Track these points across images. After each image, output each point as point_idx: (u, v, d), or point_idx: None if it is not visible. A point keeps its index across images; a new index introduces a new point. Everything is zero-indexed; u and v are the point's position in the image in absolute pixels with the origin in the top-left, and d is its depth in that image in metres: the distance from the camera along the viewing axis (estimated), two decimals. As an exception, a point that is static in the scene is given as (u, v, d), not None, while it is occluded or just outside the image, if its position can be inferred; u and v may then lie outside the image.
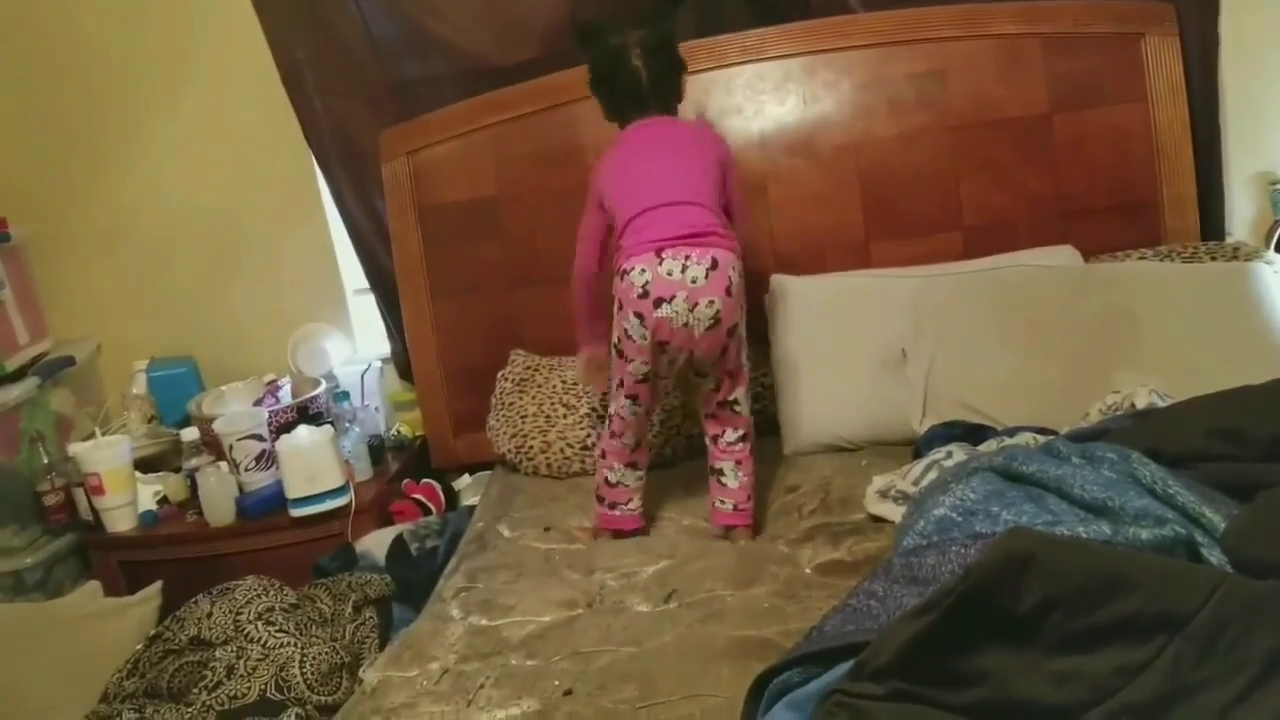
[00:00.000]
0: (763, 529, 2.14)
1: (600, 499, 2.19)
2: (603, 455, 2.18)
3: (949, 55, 2.61)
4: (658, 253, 1.97)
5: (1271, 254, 2.49)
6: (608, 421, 2.17)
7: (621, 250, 2.04)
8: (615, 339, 2.05)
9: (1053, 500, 1.42)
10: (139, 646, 2.13)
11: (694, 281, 1.95)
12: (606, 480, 2.18)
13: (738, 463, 2.13)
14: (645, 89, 2.15)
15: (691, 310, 1.96)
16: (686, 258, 1.96)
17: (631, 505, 2.18)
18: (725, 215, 2.10)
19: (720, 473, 2.14)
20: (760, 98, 2.69)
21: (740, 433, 2.14)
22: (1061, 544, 1.16)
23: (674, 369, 2.09)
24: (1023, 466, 1.48)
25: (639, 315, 1.98)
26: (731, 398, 2.11)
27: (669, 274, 1.96)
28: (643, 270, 1.97)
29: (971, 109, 2.62)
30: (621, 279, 2.00)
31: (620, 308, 2.01)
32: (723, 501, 2.14)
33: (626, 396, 2.09)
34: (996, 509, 1.40)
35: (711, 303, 1.96)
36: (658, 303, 1.96)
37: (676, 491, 2.33)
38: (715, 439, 2.15)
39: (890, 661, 1.11)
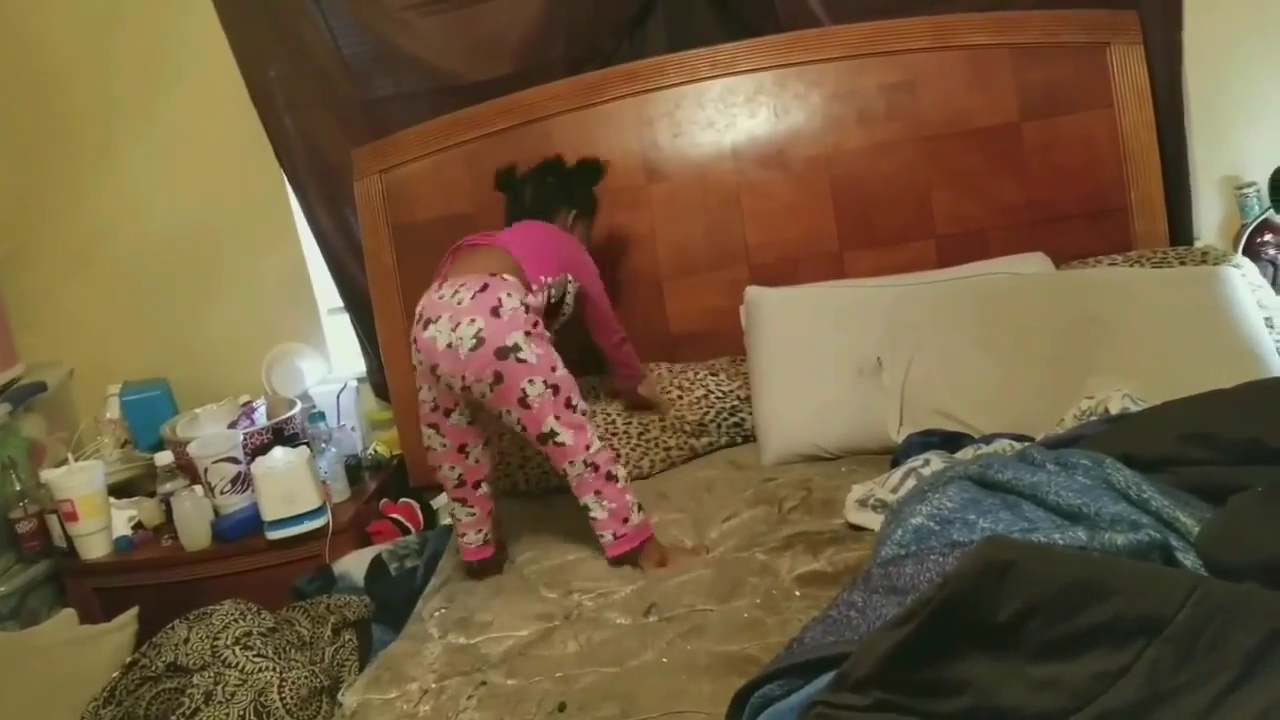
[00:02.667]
0: (670, 535, 2.14)
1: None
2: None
3: (919, 66, 2.63)
4: (439, 284, 2.05)
5: (1239, 257, 2.52)
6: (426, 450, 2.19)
7: None
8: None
9: (1028, 507, 1.42)
10: (115, 674, 2.10)
11: (459, 303, 1.97)
12: (452, 512, 2.23)
13: (597, 492, 2.02)
14: (526, 207, 2.39)
15: (454, 330, 1.95)
16: (461, 284, 2.01)
17: (468, 539, 2.19)
18: (547, 278, 2.15)
19: (587, 508, 2.05)
20: (732, 111, 2.70)
21: (578, 463, 2.01)
22: (1038, 551, 1.16)
23: (462, 398, 2.04)
24: (998, 474, 1.49)
25: (414, 340, 2.04)
26: (544, 430, 1.98)
27: (440, 298, 2.00)
28: (422, 301, 2.06)
29: (942, 119, 2.64)
30: None
31: None
32: (601, 535, 2.05)
33: (426, 425, 2.13)
34: (973, 517, 1.40)
35: (474, 321, 1.94)
36: (425, 324, 1.99)
37: (657, 504, 2.32)
38: (565, 476, 2.06)
39: (872, 672, 1.11)
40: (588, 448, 2.02)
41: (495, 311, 1.95)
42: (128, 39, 2.96)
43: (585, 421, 2.04)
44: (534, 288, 2.09)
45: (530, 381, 1.96)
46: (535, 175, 2.42)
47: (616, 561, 2.05)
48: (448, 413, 2.08)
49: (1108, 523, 1.32)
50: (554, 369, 2.00)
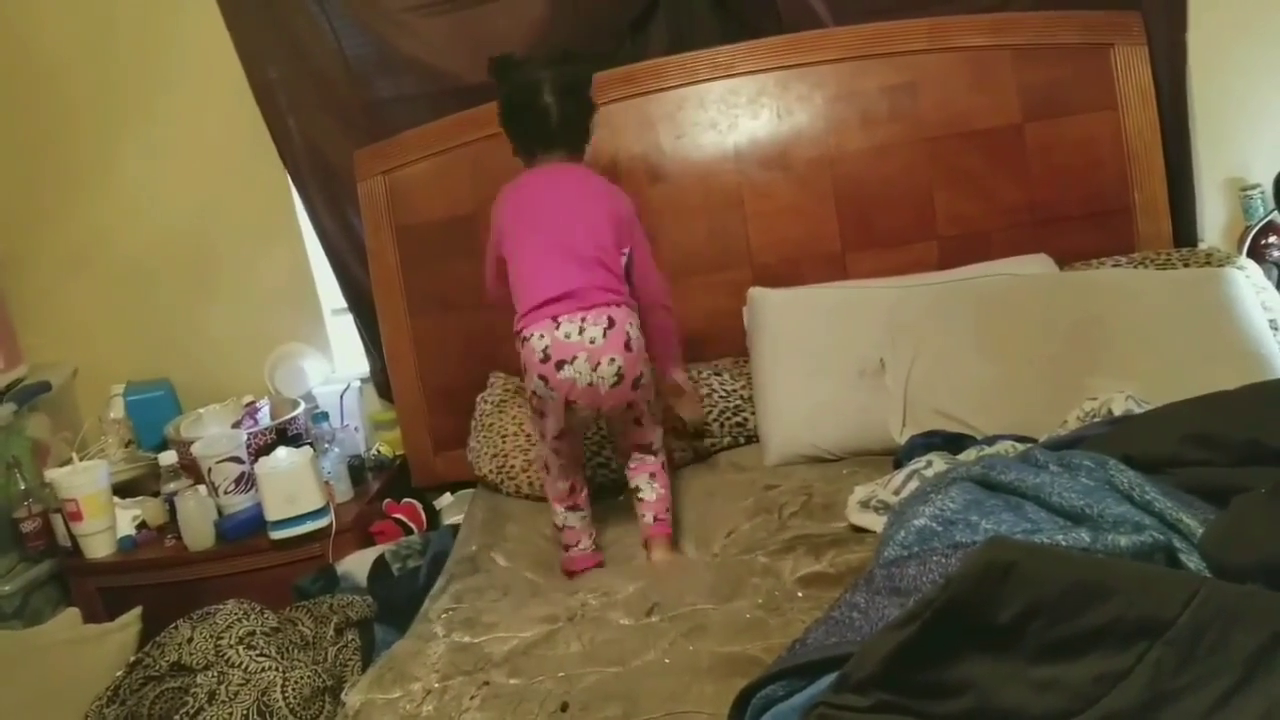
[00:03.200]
0: (679, 544, 2.20)
1: (559, 543, 2.26)
2: (551, 500, 2.25)
3: (920, 68, 2.63)
4: (554, 319, 2.02)
5: (1243, 259, 2.52)
6: (543, 468, 2.23)
7: (519, 311, 2.09)
8: (527, 396, 2.14)
9: (1031, 508, 1.42)
10: (119, 673, 2.11)
11: (593, 342, 2.02)
12: (556, 525, 2.24)
13: (651, 475, 2.20)
14: (554, 128, 2.17)
15: (594, 370, 2.02)
16: (583, 319, 2.02)
17: (582, 545, 2.22)
18: (623, 270, 2.14)
19: (637, 489, 2.21)
20: (734, 112, 2.70)
21: (650, 455, 2.21)
22: (1041, 552, 1.16)
23: (586, 424, 2.21)
24: (1001, 476, 1.49)
25: (543, 378, 2.04)
26: (645, 442, 2.20)
27: (567, 336, 2.02)
28: (541, 335, 2.02)
29: (944, 120, 2.64)
30: (522, 345, 2.06)
31: (525, 370, 2.08)
32: (643, 515, 2.19)
33: (550, 450, 2.17)
34: (976, 518, 1.41)
35: (613, 360, 2.03)
36: (559, 365, 2.02)
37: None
38: (627, 466, 2.24)
39: (874, 673, 1.11)
40: (659, 437, 2.23)
41: (627, 345, 2.05)
42: (128, 38, 2.96)
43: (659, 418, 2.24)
44: (628, 295, 2.12)
45: (648, 402, 2.16)
46: (559, 93, 2.15)
47: (651, 541, 2.18)
48: (570, 433, 2.16)
49: (1111, 524, 1.32)
50: (655, 386, 2.19)
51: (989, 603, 1.09)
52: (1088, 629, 1.07)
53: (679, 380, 2.38)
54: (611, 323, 2.03)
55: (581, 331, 2.01)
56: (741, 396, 2.55)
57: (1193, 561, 1.27)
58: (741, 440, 2.56)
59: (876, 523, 1.89)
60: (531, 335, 2.03)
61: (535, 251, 2.10)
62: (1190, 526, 1.30)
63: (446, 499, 2.89)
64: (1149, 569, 1.19)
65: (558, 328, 2.01)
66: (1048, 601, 1.08)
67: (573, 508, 2.22)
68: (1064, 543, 1.29)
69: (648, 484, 2.20)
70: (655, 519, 2.18)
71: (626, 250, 2.17)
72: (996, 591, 1.09)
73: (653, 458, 2.21)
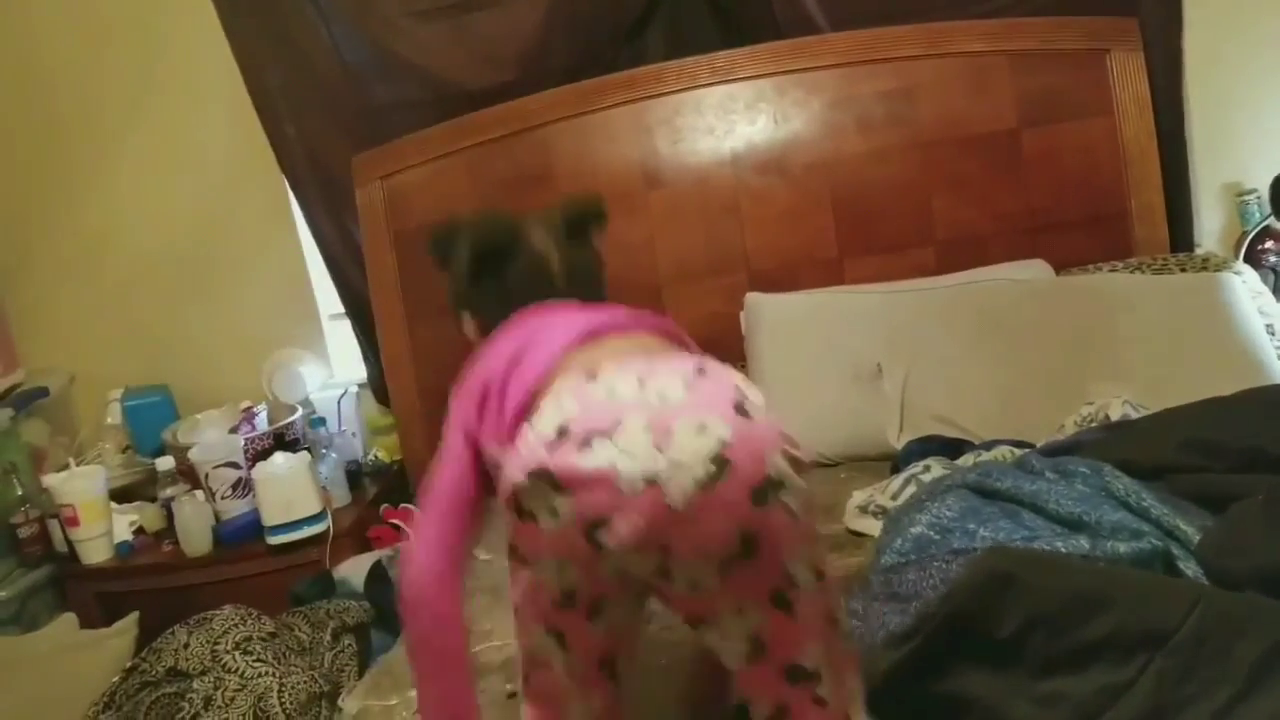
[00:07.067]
0: None
1: None
2: None
3: (917, 73, 2.63)
4: (590, 372, 1.09)
5: (1240, 264, 2.52)
6: (520, 677, 1.24)
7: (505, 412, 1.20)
8: (509, 541, 1.14)
9: (1028, 516, 1.42)
10: (115, 679, 2.11)
11: (662, 397, 1.04)
12: None
13: None
14: (555, 276, 1.41)
15: (664, 447, 1.01)
16: (639, 371, 1.08)
17: None
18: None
19: None
20: (731, 117, 2.70)
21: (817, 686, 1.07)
22: (1041, 563, 1.16)
23: (631, 586, 1.11)
24: (997, 483, 1.49)
25: (541, 475, 1.04)
26: (798, 661, 1.07)
27: (611, 394, 1.06)
28: (559, 405, 1.07)
29: (941, 126, 2.63)
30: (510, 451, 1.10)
31: (504, 482, 1.09)
32: None
33: (547, 631, 1.14)
34: (973, 526, 1.40)
35: (704, 427, 1.01)
36: (585, 442, 1.02)
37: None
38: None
39: (876, 688, 1.11)
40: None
41: (740, 408, 1.04)
42: (124, 45, 2.96)
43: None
44: None
45: (796, 551, 1.05)
46: (570, 246, 1.45)
47: None
48: (592, 610, 1.11)
49: (1109, 531, 1.32)
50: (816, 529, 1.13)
51: (990, 615, 1.09)
52: (1089, 641, 1.07)
53: None
54: (701, 371, 1.08)
55: (642, 384, 1.06)
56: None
57: (1190, 568, 1.27)
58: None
59: (874, 527, 1.88)
60: (541, 414, 1.08)
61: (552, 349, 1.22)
62: (1187, 533, 1.30)
63: (444, 504, 2.87)
64: (1148, 578, 1.19)
65: (593, 380, 1.08)
66: (1048, 613, 1.08)
67: None
68: (1063, 549, 1.29)
69: None
70: None
71: None
72: (997, 604, 1.09)
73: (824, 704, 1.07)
